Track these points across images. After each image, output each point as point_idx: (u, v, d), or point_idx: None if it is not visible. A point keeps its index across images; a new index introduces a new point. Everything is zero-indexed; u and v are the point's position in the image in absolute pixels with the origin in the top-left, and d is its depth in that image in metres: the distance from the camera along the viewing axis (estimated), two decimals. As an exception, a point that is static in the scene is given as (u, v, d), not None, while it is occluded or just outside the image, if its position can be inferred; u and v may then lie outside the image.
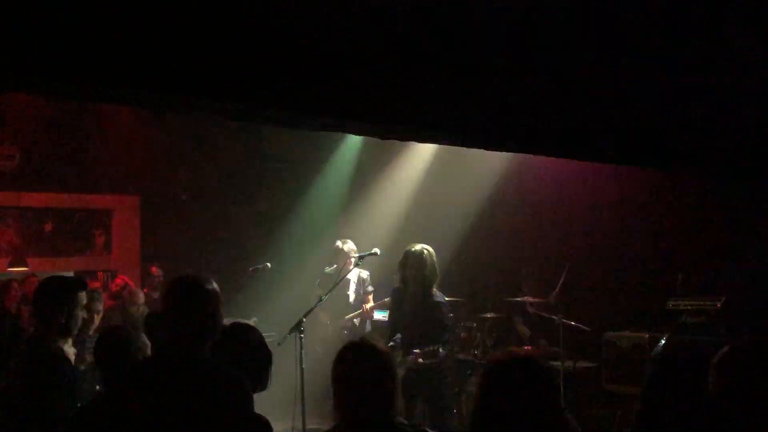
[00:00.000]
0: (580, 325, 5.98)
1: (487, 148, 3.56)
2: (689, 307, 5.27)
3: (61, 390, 2.99)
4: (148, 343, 2.83)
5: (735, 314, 5.04)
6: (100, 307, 4.20)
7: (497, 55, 2.96)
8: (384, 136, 3.07)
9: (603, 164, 5.88)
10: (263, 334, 2.73)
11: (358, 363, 2.32)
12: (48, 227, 7.96)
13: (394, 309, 5.23)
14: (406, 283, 5.08)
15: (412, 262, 4.99)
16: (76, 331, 3.27)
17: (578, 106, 3.26)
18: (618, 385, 5.70)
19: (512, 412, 2.00)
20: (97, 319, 4.11)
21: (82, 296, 3.23)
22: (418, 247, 5.02)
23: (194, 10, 2.36)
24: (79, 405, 2.95)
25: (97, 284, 7.03)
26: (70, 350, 3.30)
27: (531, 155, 5.44)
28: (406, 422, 2.42)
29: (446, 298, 5.24)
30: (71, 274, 7.41)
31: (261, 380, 2.62)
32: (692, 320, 5.24)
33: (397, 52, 2.81)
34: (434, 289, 5.05)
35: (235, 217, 8.46)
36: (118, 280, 7.24)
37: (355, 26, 2.61)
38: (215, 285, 2.44)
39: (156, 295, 6.70)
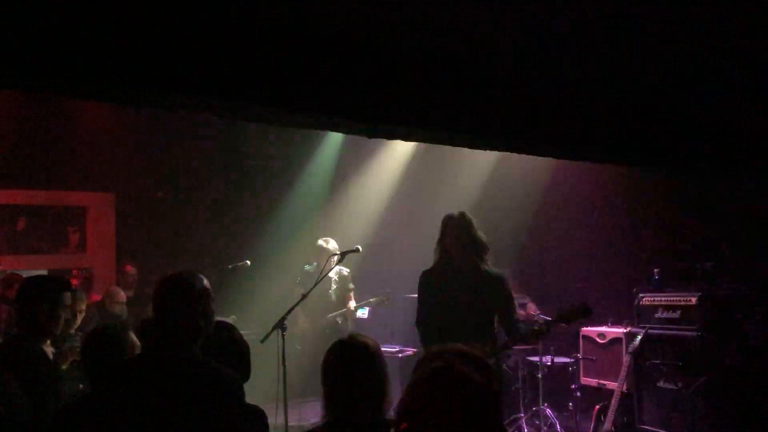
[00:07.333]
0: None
1: (472, 147, 3.59)
2: (664, 302, 5.37)
3: (43, 391, 2.95)
4: (138, 342, 2.81)
5: (709, 310, 5.14)
6: (83, 306, 4.16)
7: (485, 55, 2.99)
8: (372, 135, 3.09)
9: (580, 162, 5.97)
10: (242, 332, 2.75)
11: (349, 359, 2.36)
12: (21, 225, 7.81)
13: (424, 297, 4.16)
14: (449, 258, 4.09)
15: (452, 228, 4.06)
16: (58, 332, 3.23)
17: (565, 105, 3.31)
18: (596, 380, 5.80)
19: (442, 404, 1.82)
20: (79, 318, 4.06)
21: (66, 297, 3.18)
22: (456, 212, 4.11)
23: (180, 6, 2.35)
24: (61, 405, 2.91)
25: (74, 281, 6.92)
26: (48, 350, 3.26)
27: (512, 154, 5.50)
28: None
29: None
30: (45, 272, 7.29)
31: (245, 372, 2.64)
32: (667, 315, 5.32)
33: (386, 52, 2.83)
34: (486, 262, 4.10)
35: (212, 214, 8.40)
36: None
37: (346, 23, 2.62)
38: (206, 282, 2.43)
39: (131, 293, 6.63)
